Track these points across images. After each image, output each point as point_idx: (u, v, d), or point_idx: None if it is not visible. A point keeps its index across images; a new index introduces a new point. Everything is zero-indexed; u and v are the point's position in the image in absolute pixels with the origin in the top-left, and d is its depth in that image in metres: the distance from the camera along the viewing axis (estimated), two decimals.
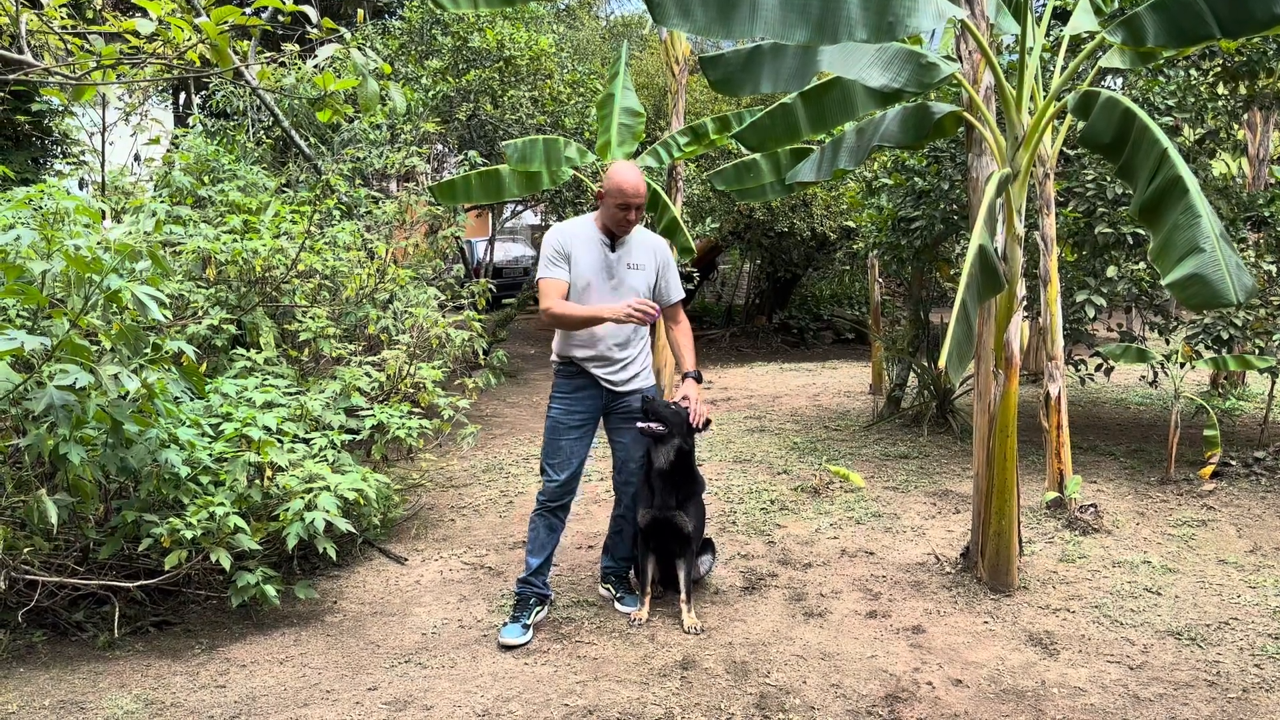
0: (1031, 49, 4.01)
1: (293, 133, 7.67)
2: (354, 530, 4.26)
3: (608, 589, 4.21)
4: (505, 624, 3.80)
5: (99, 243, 3.20)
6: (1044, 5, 5.07)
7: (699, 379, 3.97)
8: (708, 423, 3.95)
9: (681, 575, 3.96)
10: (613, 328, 3.85)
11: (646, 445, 3.99)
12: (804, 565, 4.64)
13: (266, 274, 5.17)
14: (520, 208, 14.63)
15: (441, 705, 3.23)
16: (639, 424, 3.89)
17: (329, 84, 3.58)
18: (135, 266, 3.33)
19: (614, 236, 3.89)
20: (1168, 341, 6.59)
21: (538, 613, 3.88)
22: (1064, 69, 4.43)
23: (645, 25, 19.31)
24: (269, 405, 4.35)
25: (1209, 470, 5.99)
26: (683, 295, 4.12)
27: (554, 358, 4.02)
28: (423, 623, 3.97)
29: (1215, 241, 3.21)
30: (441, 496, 6.02)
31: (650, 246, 3.99)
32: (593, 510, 5.61)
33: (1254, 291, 3.27)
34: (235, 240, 5.06)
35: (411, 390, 5.35)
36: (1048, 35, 5.90)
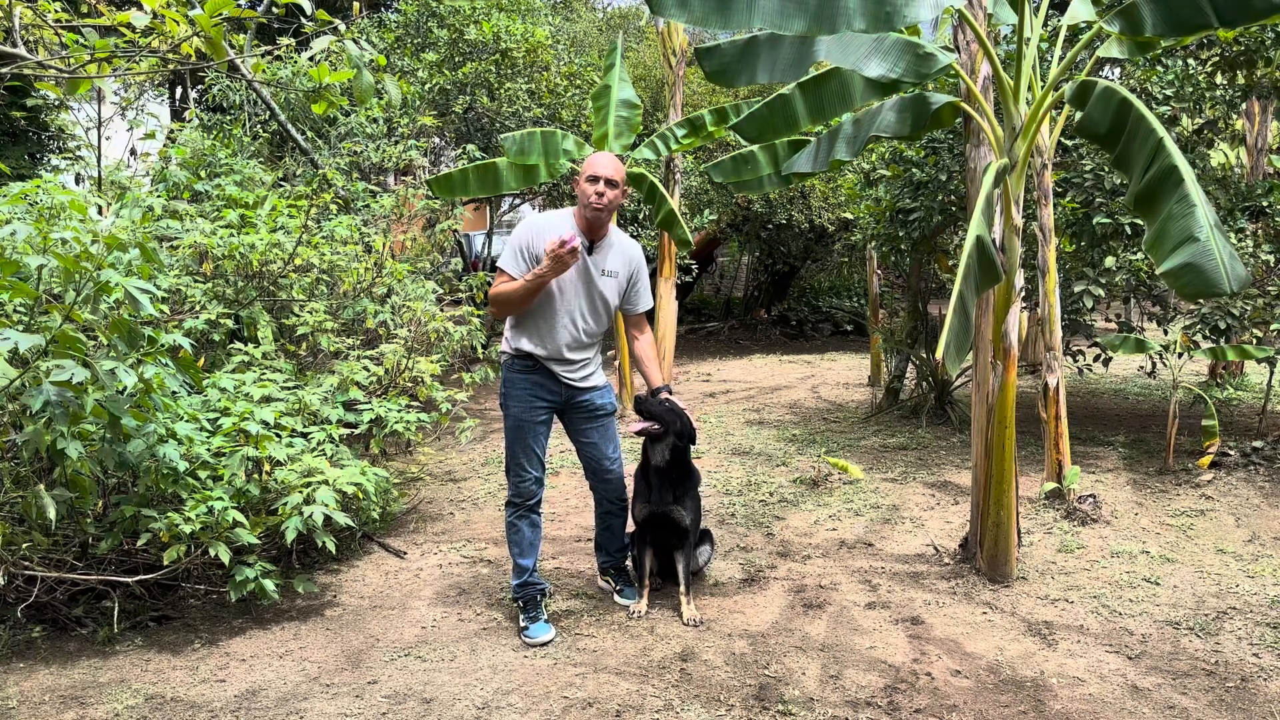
0: (1029, 39, 4.00)
1: (289, 126, 7.65)
2: (353, 524, 4.26)
3: (607, 581, 4.22)
4: (525, 627, 3.74)
5: (88, 234, 3.18)
6: None
7: (670, 391, 3.94)
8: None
9: (680, 568, 3.97)
10: (565, 334, 3.74)
11: (615, 439, 4.01)
12: (803, 557, 4.65)
13: (263, 268, 5.16)
14: (518, 201, 14.59)
15: (441, 698, 3.24)
16: (634, 427, 3.86)
17: (324, 76, 3.56)
18: (124, 257, 3.31)
19: (592, 240, 3.75)
20: (1166, 332, 6.59)
21: (545, 606, 3.89)
22: (1061, 59, 4.42)
23: (642, 17, 19.25)
24: (267, 400, 4.34)
25: (1207, 460, 6.00)
26: (649, 306, 4.01)
27: (505, 350, 3.84)
28: (422, 616, 3.98)
29: (1210, 231, 3.21)
30: (440, 490, 6.02)
31: (626, 254, 3.85)
32: (591, 503, 5.59)
33: (1247, 281, 3.27)
34: (232, 235, 5.05)
35: (410, 384, 5.34)
36: (1045, 25, 5.88)
